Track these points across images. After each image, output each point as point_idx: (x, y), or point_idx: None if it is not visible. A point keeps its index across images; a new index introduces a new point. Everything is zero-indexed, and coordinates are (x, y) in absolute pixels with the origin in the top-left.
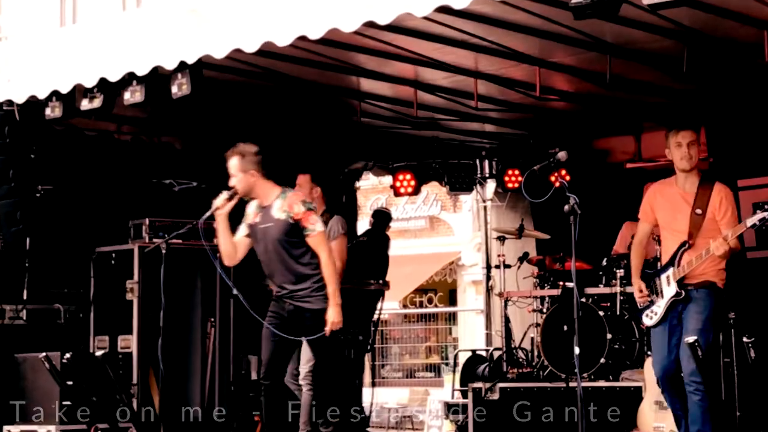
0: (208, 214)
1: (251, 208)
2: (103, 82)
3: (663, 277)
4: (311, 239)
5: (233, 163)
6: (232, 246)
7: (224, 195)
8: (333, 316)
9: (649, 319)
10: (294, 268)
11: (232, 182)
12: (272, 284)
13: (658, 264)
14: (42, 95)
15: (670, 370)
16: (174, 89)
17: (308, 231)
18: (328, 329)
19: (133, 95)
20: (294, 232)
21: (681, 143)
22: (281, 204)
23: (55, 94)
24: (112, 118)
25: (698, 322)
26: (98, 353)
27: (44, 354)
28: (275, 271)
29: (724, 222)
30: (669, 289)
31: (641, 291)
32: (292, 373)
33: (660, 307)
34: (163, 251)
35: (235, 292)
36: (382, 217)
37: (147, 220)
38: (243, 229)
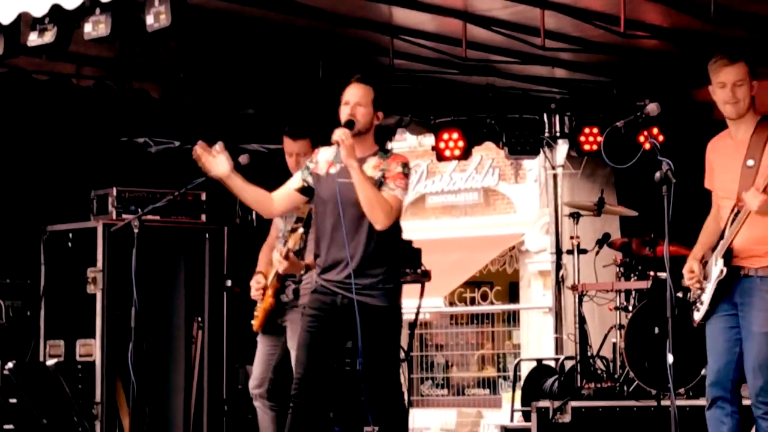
0: (344, 151)
1: (324, 155)
2: (56, 10)
3: (713, 255)
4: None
5: (365, 93)
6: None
7: (342, 129)
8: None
9: (697, 312)
10: (369, 244)
11: (350, 113)
12: (321, 265)
13: None
14: None
15: (725, 378)
16: (149, 20)
17: (385, 187)
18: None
19: (96, 27)
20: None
21: (725, 84)
22: (379, 162)
23: None
24: (70, 57)
25: (766, 323)
26: (50, 362)
27: None
28: (339, 244)
29: None
30: (715, 268)
31: (692, 272)
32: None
33: (707, 293)
34: (135, 230)
35: None
36: None
37: (114, 191)
38: (297, 180)
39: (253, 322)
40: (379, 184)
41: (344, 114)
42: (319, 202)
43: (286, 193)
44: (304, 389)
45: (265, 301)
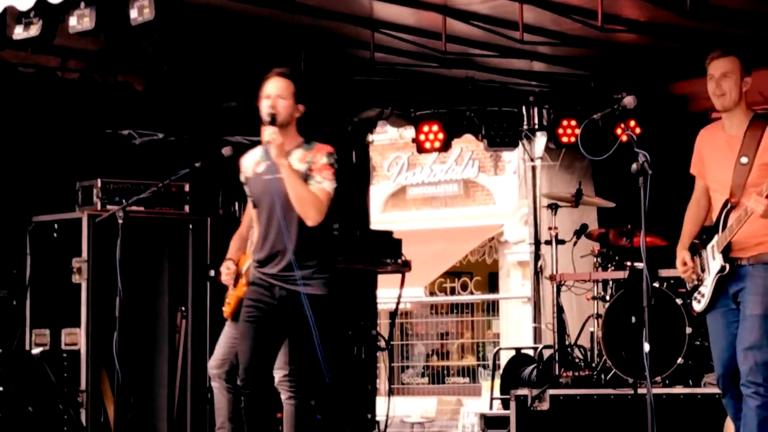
0: (272, 150)
1: (250, 159)
2: (41, 4)
3: (709, 247)
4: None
5: (285, 86)
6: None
7: (270, 128)
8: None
9: (697, 303)
10: (301, 237)
11: (272, 105)
12: (258, 258)
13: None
14: None
15: (731, 370)
16: (133, 14)
17: (312, 181)
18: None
19: (80, 21)
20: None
21: (713, 75)
22: (303, 154)
23: None
24: (55, 50)
25: (757, 305)
26: (36, 351)
27: None
28: (274, 239)
29: None
30: (714, 263)
31: (685, 263)
32: (222, 371)
33: (707, 286)
34: (120, 221)
35: None
36: None
37: (99, 182)
38: (251, 201)
39: (224, 308)
40: (305, 176)
41: (265, 107)
42: (254, 200)
43: (254, 212)
44: (250, 379)
45: (238, 289)
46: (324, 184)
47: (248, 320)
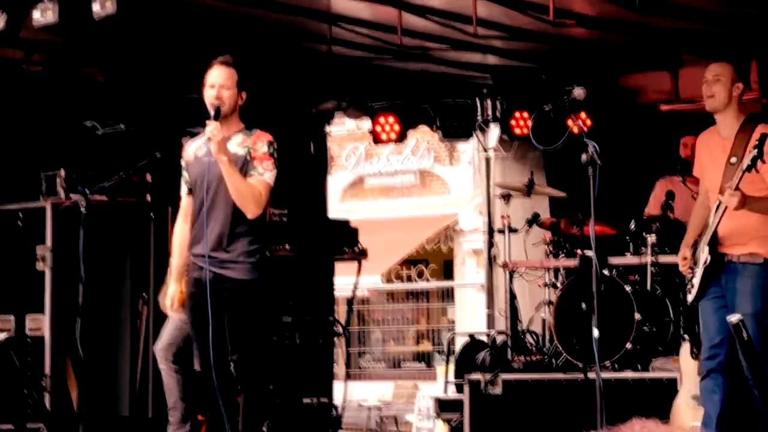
0: (213, 147)
1: (193, 146)
2: None
3: (701, 243)
4: (251, 180)
5: (229, 75)
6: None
7: (213, 123)
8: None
9: (689, 294)
10: (230, 219)
11: (217, 96)
12: (191, 241)
13: None
14: None
15: (716, 353)
16: (95, 7)
17: (253, 171)
18: (210, 130)
19: (44, 15)
20: (245, 171)
21: (706, 78)
22: (243, 138)
23: None
24: (19, 43)
25: (749, 304)
26: (0, 337)
27: None
28: (208, 220)
29: (765, 169)
30: (703, 255)
31: (684, 258)
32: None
33: (697, 277)
34: (83, 210)
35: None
36: None
37: (62, 171)
38: (184, 186)
39: None
40: (244, 161)
41: (209, 98)
42: (192, 184)
43: (187, 203)
44: (206, 367)
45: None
46: (265, 175)
47: (191, 309)
